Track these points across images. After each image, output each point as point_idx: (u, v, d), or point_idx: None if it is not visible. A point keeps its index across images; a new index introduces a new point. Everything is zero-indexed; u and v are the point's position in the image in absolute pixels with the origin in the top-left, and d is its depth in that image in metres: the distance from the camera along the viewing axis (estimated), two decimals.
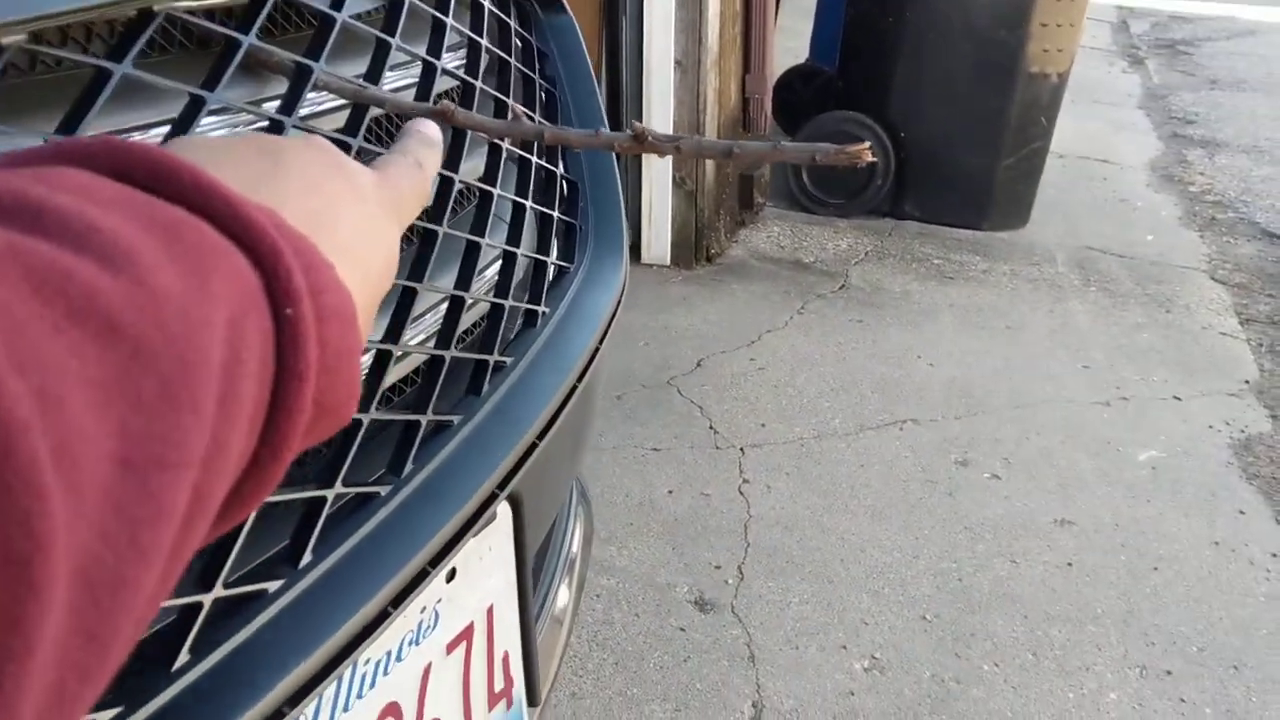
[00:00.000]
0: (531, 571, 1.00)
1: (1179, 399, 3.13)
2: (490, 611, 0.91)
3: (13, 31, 0.53)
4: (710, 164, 3.81)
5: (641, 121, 3.72)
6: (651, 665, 2.08)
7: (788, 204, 4.55)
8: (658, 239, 3.87)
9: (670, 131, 3.72)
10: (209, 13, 0.68)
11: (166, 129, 0.63)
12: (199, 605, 0.61)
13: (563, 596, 1.23)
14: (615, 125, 3.58)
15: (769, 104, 4.23)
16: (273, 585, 0.66)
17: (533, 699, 0.98)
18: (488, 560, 0.90)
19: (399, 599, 0.72)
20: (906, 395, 3.11)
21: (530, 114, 1.09)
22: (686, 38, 3.61)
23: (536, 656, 0.98)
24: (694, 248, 3.90)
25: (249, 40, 0.68)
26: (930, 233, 4.35)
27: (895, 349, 3.40)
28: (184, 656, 0.60)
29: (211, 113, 0.67)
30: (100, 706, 0.55)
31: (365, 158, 0.60)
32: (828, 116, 4.36)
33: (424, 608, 0.82)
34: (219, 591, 0.62)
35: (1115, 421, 2.99)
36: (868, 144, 0.60)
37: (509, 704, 0.94)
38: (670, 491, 2.64)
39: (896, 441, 2.88)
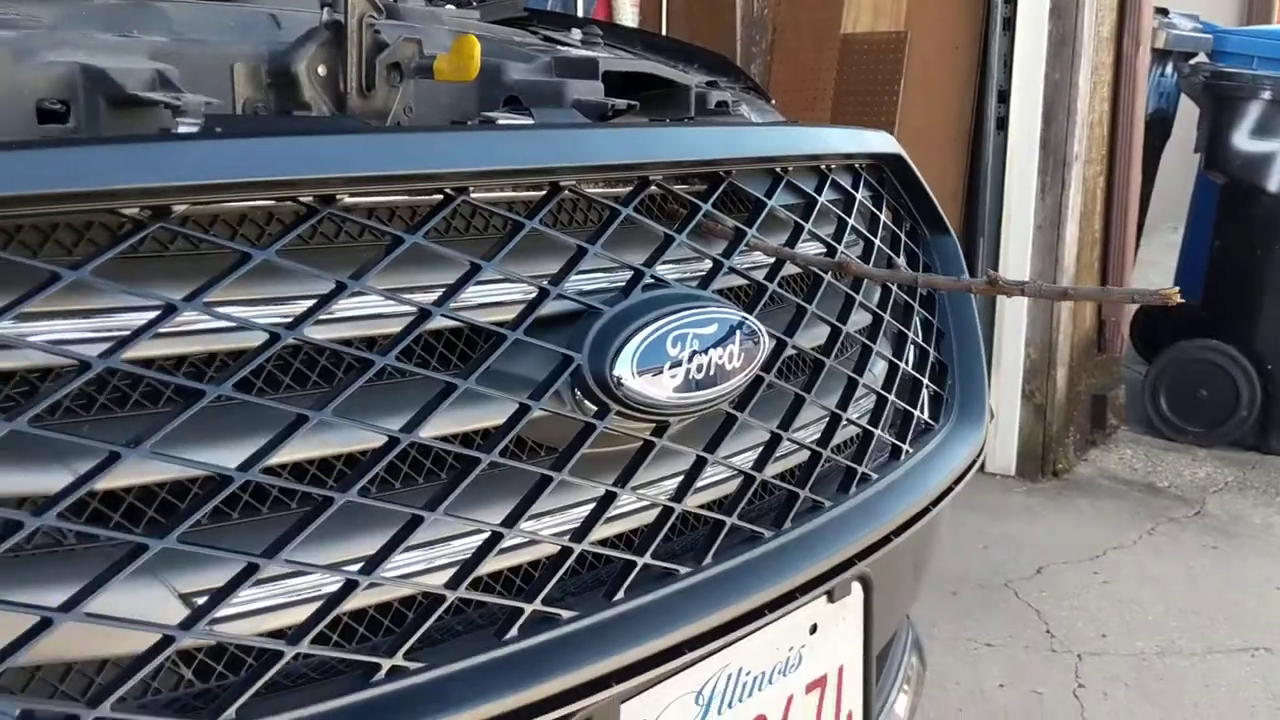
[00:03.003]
0: (875, 660, 1.19)
1: None
2: (841, 672, 1.11)
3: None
4: (1061, 379, 3.90)
5: (993, 339, 3.90)
6: None
7: (1144, 429, 4.49)
8: (1003, 448, 3.95)
9: (1024, 345, 3.86)
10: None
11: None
12: (634, 564, 0.87)
13: (901, 705, 1.39)
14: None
15: (1125, 328, 4.28)
16: (682, 569, 0.91)
17: None
18: (842, 628, 1.11)
19: (773, 606, 0.95)
20: (1261, 624, 2.98)
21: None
22: (1043, 260, 3.78)
23: None
24: (1040, 461, 3.94)
25: (706, 206, 0.99)
26: None
27: (1252, 579, 3.27)
28: (620, 594, 0.87)
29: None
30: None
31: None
32: (1188, 344, 4.33)
33: (791, 647, 1.04)
34: (647, 559, 0.88)
35: None
36: (1177, 289, 0.80)
37: None
38: (1001, 685, 2.68)
39: (1247, 668, 2.77)
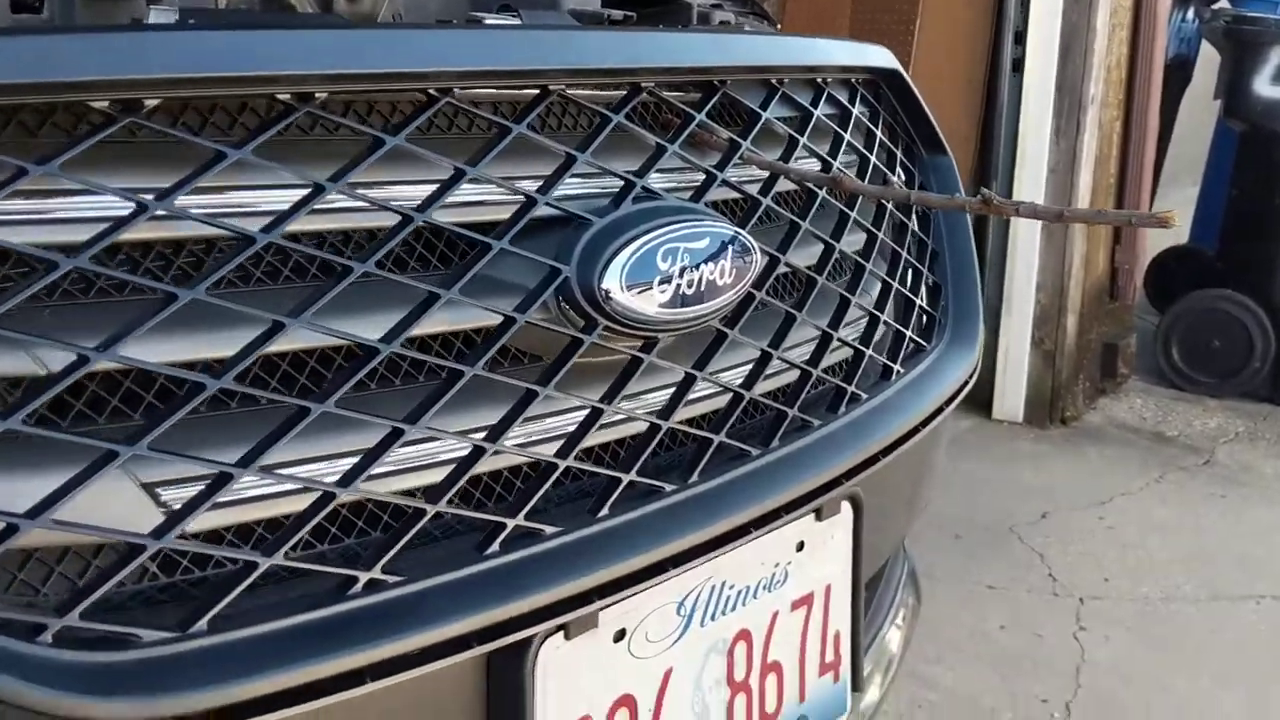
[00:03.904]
0: (863, 583, 1.18)
1: None
2: (828, 591, 1.10)
3: None
4: (1071, 326, 3.86)
5: (1003, 285, 3.86)
6: None
7: (1155, 379, 4.46)
8: (1011, 395, 3.93)
9: (1035, 291, 3.83)
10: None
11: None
12: (619, 480, 0.85)
13: (894, 638, 1.39)
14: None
15: (1139, 276, 4.24)
16: (668, 486, 0.90)
17: (856, 684, 1.14)
18: (830, 547, 1.10)
19: (759, 524, 0.94)
20: (1268, 573, 2.97)
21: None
22: (1057, 203, 3.73)
23: (862, 647, 1.15)
24: (1048, 408, 3.92)
25: (700, 117, 0.96)
26: None
27: (1261, 527, 3.25)
28: (605, 511, 0.86)
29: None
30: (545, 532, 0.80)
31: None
32: (1202, 294, 4.29)
33: (777, 564, 1.03)
34: (633, 475, 0.87)
35: None
36: (1173, 211, 0.78)
37: (835, 678, 1.11)
38: (1002, 627, 2.68)
39: (1253, 615, 2.76)
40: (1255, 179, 4.28)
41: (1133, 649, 2.59)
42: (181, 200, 0.70)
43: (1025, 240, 3.79)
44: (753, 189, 1.04)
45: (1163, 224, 0.82)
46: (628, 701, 0.90)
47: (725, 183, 1.01)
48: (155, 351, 0.68)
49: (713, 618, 0.96)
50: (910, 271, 1.29)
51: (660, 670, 0.93)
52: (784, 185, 1.09)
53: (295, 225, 0.74)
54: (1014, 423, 3.98)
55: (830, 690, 1.11)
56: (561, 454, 0.85)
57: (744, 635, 1.00)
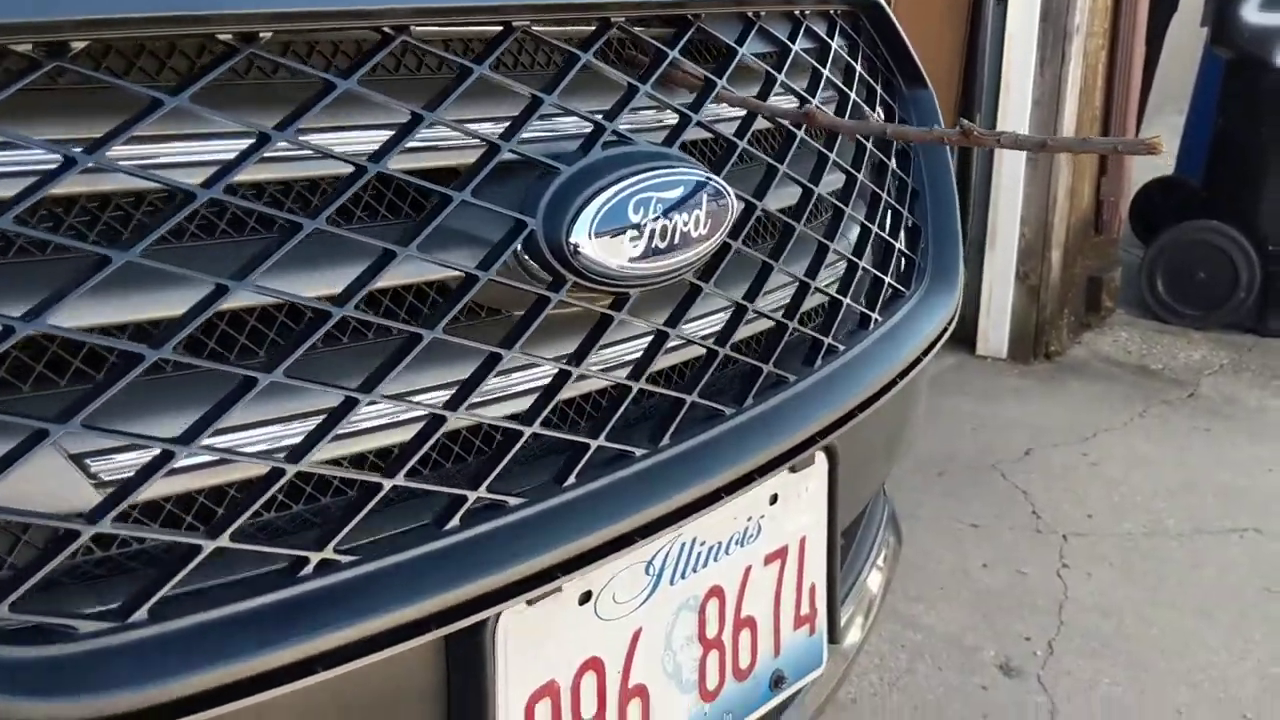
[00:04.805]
0: (839, 533, 1.15)
1: None
2: (803, 543, 1.07)
3: None
4: (1056, 261, 3.83)
5: (987, 220, 3.82)
6: (950, 716, 2.13)
7: (1139, 311, 4.44)
8: (995, 331, 3.90)
9: (1019, 225, 3.79)
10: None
11: None
12: (586, 446, 0.81)
13: (875, 580, 1.37)
14: (962, 220, 3.69)
15: (1124, 209, 4.19)
16: (638, 451, 0.86)
17: (833, 637, 1.12)
18: (805, 499, 1.07)
19: (732, 488, 0.90)
20: (1251, 506, 2.97)
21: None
22: (1041, 134, 3.67)
23: (839, 598, 1.12)
24: (1032, 343, 3.90)
25: (673, 54, 0.91)
26: None
27: (1244, 460, 3.25)
28: (571, 479, 0.81)
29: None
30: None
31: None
32: (1187, 225, 4.25)
33: (750, 518, 1.00)
34: (601, 441, 0.82)
35: None
36: (1158, 136, 0.73)
37: (811, 630, 1.09)
38: (985, 565, 2.67)
39: (1236, 548, 2.76)
40: (1242, 108, 4.22)
41: (1115, 585, 2.59)
42: (114, 152, 0.65)
43: (1009, 175, 3.74)
44: (727, 130, 0.99)
45: (1150, 150, 0.78)
46: (595, 664, 0.87)
47: (701, 125, 0.95)
48: (87, 317, 0.63)
49: (683, 576, 0.93)
50: (890, 214, 1.25)
51: (629, 631, 0.90)
52: (759, 126, 1.04)
53: (239, 178, 0.69)
54: (998, 359, 3.96)
55: (806, 643, 1.09)
56: (526, 420, 0.81)
57: (716, 592, 0.97)
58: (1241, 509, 2.96)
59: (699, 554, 0.93)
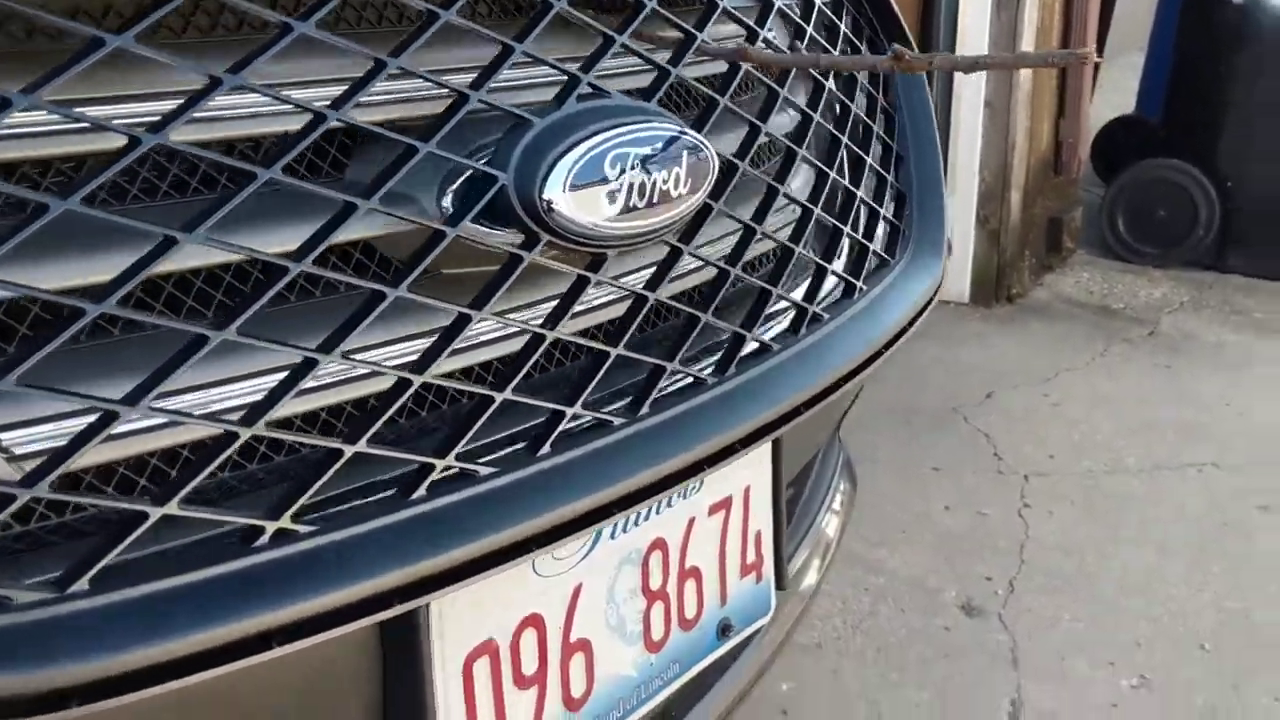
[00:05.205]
0: (784, 480, 1.14)
1: None
2: (748, 492, 1.06)
3: None
4: (1015, 203, 3.83)
5: (947, 164, 3.80)
6: (913, 656, 2.15)
7: (1100, 251, 4.46)
8: (956, 276, 3.91)
9: (978, 169, 3.78)
10: None
11: None
12: (562, 414, 0.81)
13: (831, 523, 1.37)
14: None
15: (1084, 150, 4.19)
16: (616, 420, 0.85)
17: (780, 583, 1.11)
18: (750, 450, 1.05)
19: (712, 461, 0.89)
20: (1210, 440, 3.01)
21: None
22: (997, 79, 3.66)
23: (785, 544, 1.12)
24: (994, 286, 3.91)
25: (652, 4, 0.88)
26: (1256, 287, 4.15)
27: (1203, 396, 3.28)
28: (546, 449, 0.81)
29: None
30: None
31: None
32: (1147, 164, 4.26)
33: None
34: (577, 409, 0.81)
35: None
36: (1093, 48, 0.72)
37: (758, 578, 1.09)
38: (947, 508, 2.69)
39: (1194, 483, 2.80)
40: (1199, 45, 4.22)
41: (1076, 523, 2.62)
42: (50, 96, 0.59)
43: (968, 119, 3.73)
44: (708, 86, 0.95)
45: (1082, 61, 0.77)
46: (535, 621, 0.86)
47: (681, 78, 0.92)
48: (23, 275, 0.59)
49: (624, 529, 0.92)
50: (876, 178, 1.23)
51: (569, 587, 0.88)
52: (740, 81, 1.00)
53: (189, 133, 0.65)
54: (960, 303, 3.97)
55: (753, 590, 1.08)
56: (497, 386, 0.78)
57: (659, 544, 0.96)
58: (1200, 444, 2.99)
59: (639, 512, 0.92)
